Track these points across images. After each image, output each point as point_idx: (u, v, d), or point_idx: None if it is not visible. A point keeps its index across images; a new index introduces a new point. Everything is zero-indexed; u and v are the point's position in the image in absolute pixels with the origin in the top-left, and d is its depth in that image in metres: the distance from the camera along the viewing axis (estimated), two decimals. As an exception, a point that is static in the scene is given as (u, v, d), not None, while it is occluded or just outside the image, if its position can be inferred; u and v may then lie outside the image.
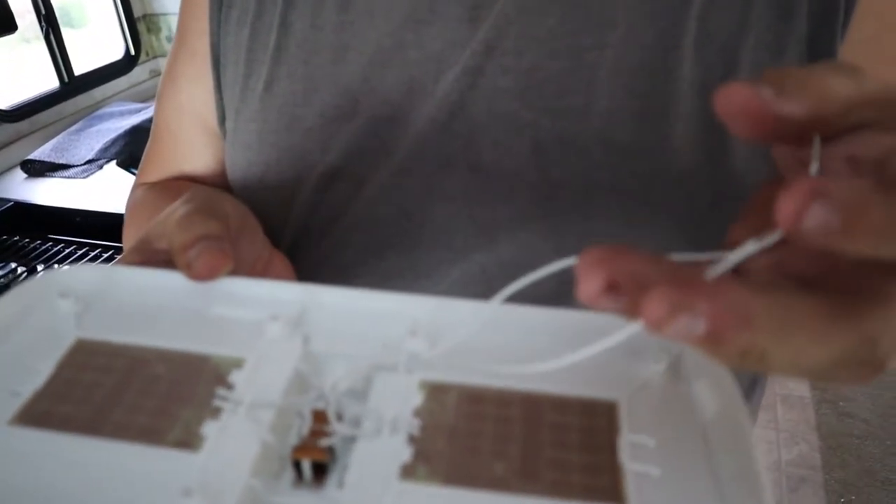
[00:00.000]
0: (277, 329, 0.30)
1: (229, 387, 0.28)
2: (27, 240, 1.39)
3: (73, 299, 0.31)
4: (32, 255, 1.36)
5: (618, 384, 0.28)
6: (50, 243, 1.39)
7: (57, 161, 1.59)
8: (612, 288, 0.19)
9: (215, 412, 0.26)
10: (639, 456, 0.25)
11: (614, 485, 0.24)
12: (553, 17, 0.40)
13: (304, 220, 0.46)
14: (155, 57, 2.05)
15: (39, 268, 1.33)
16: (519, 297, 0.24)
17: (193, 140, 0.55)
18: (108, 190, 1.49)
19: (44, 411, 0.27)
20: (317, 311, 0.31)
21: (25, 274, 1.29)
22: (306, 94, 0.45)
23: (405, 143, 0.43)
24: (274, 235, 0.43)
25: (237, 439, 0.25)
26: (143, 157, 0.60)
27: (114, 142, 1.63)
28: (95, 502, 0.23)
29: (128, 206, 0.59)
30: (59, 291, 0.31)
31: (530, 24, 0.40)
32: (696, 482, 0.24)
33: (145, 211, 0.54)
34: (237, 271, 0.32)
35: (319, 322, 0.31)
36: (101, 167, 1.59)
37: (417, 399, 0.27)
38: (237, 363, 0.29)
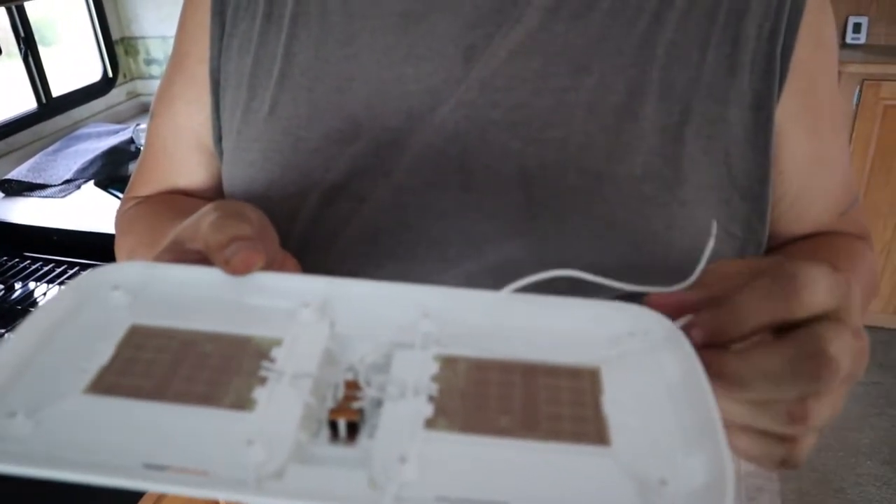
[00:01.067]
0: (308, 314, 0.35)
1: (272, 360, 0.32)
2: (4, 258, 1.42)
3: (122, 291, 0.36)
4: (10, 272, 1.39)
5: (601, 355, 0.33)
6: (28, 261, 1.42)
7: (34, 181, 1.63)
8: None
9: (262, 381, 0.31)
10: (619, 410, 0.30)
11: (599, 431, 0.29)
12: (537, 61, 0.47)
13: (306, 233, 0.50)
14: (132, 79, 2.09)
15: (17, 285, 1.36)
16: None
17: (189, 158, 0.59)
18: (85, 209, 1.53)
19: (112, 383, 0.31)
20: (340, 300, 0.36)
21: (3, 291, 1.32)
22: (310, 118, 0.50)
23: (403, 165, 0.48)
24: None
25: (284, 402, 0.30)
26: (134, 173, 0.64)
27: (91, 162, 1.67)
28: (170, 454, 0.28)
29: (121, 218, 0.63)
30: (112, 284, 0.36)
31: (518, 65, 0.47)
32: (666, 430, 0.30)
33: (145, 220, 0.58)
34: (263, 269, 0.37)
35: (343, 309, 0.36)
36: (78, 187, 1.62)
37: (433, 368, 0.32)
38: (276, 342, 0.33)
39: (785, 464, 0.33)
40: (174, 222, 0.53)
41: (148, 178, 0.62)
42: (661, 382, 0.32)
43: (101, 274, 0.37)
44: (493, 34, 0.47)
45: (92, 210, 1.52)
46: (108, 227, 1.44)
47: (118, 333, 0.34)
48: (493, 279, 0.47)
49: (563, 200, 0.46)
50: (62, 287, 0.36)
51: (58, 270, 1.38)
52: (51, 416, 0.29)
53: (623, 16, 0.46)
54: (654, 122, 0.46)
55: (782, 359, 0.30)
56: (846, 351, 0.30)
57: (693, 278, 0.34)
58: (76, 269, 1.39)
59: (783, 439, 0.32)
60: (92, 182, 1.64)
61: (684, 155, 0.46)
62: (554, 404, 0.30)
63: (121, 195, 1.56)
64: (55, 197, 1.59)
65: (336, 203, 0.49)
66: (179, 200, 0.60)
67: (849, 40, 2.41)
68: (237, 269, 0.35)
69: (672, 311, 0.34)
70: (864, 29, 2.40)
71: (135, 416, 0.29)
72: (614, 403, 0.31)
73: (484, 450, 0.28)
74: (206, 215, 0.37)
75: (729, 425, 0.32)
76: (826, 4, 0.50)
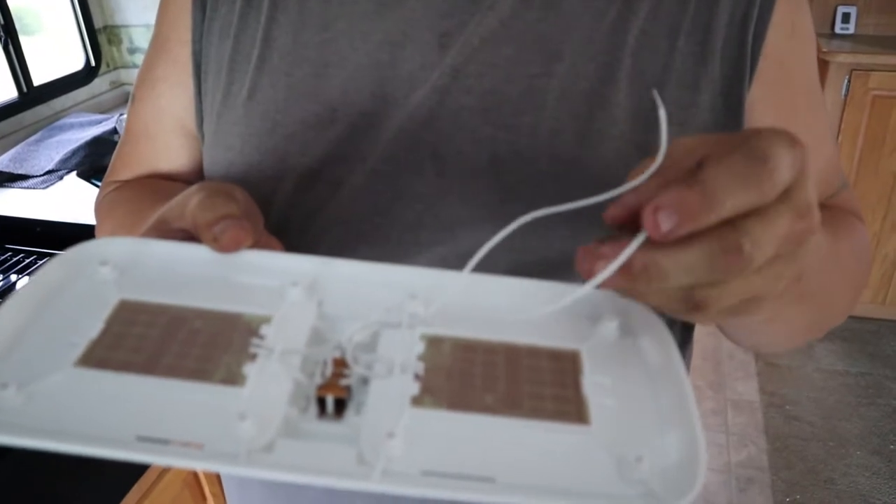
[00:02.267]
0: (297, 293, 0.35)
1: (261, 337, 0.33)
2: (-13, 250, 1.42)
3: (111, 266, 0.36)
4: (-6, 265, 1.38)
5: (580, 338, 0.34)
6: (9, 253, 1.41)
7: (16, 171, 1.61)
8: (582, 259, 0.31)
9: (252, 357, 0.32)
10: (598, 391, 0.32)
11: (579, 411, 0.31)
12: (510, 48, 0.48)
13: (283, 216, 0.51)
14: (115, 68, 2.08)
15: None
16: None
17: (171, 141, 0.60)
18: (68, 200, 1.52)
19: (102, 357, 0.31)
20: (328, 280, 0.37)
21: (-15, 283, 1.32)
22: (288, 102, 0.50)
23: (378, 150, 0.49)
24: None
25: (274, 378, 0.31)
26: (114, 157, 0.64)
27: (74, 152, 1.66)
28: (162, 427, 0.28)
29: (100, 203, 0.63)
30: (100, 259, 0.36)
31: (491, 52, 0.48)
32: (643, 410, 0.31)
33: (126, 203, 0.59)
34: (250, 248, 0.38)
35: (331, 288, 0.36)
36: (61, 178, 1.61)
37: (420, 348, 0.33)
38: (265, 319, 0.34)
39: (696, 305, 0.30)
40: (156, 206, 0.54)
41: (129, 162, 0.63)
42: (637, 365, 0.33)
43: (89, 249, 0.38)
44: (467, 21, 0.48)
45: (75, 201, 1.51)
46: (91, 218, 1.43)
47: (107, 308, 0.34)
48: (465, 262, 0.48)
49: (535, 186, 0.47)
50: (50, 261, 0.36)
51: (41, 262, 1.37)
52: (42, 389, 0.30)
53: (594, 4, 0.47)
54: (625, 108, 0.47)
55: (702, 252, 0.28)
56: (770, 244, 0.29)
57: (658, 162, 0.31)
58: (59, 260, 1.38)
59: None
60: (74, 173, 1.62)
61: (656, 141, 0.47)
62: (536, 384, 0.32)
63: (104, 186, 1.56)
64: (37, 188, 1.58)
65: (312, 188, 0.50)
66: (160, 184, 0.60)
67: (837, 30, 2.43)
68: (226, 246, 0.36)
69: (634, 217, 0.31)
70: (852, 19, 2.42)
71: (126, 389, 0.30)
72: (594, 385, 0.32)
73: (469, 426, 0.30)
74: (192, 194, 0.38)
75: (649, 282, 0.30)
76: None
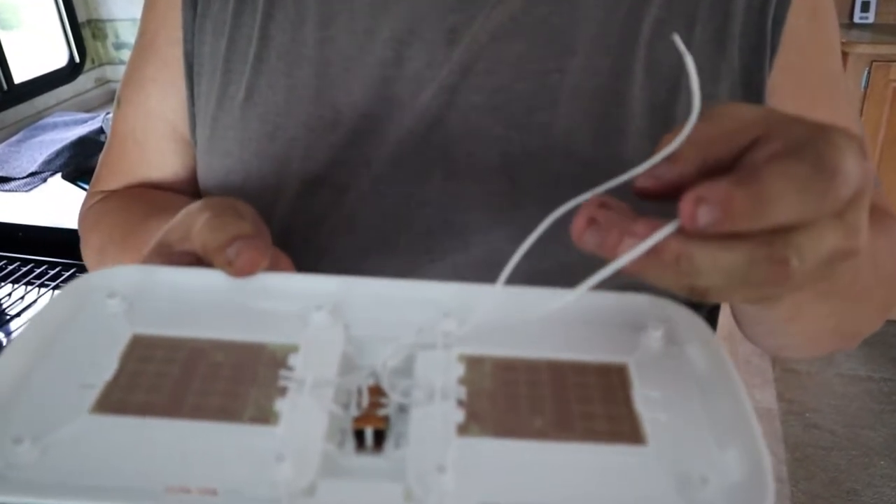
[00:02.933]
0: (321, 318, 0.34)
1: (290, 368, 0.32)
2: (-35, 257, 1.38)
3: (119, 298, 0.35)
4: (-28, 273, 1.34)
5: (625, 350, 0.34)
6: (-10, 260, 1.37)
7: (-4, 173, 1.58)
8: (591, 222, 0.28)
9: (282, 391, 0.31)
10: (650, 406, 0.31)
11: (634, 429, 0.30)
12: (520, 43, 0.46)
13: (285, 225, 0.49)
14: (101, 65, 2.05)
15: (-21, 286, 1.31)
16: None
17: (162, 147, 0.57)
18: (52, 204, 1.49)
19: (120, 400, 0.30)
20: (352, 301, 0.36)
21: (-36, 292, 1.28)
22: (288, 104, 0.49)
23: (385, 154, 0.47)
24: None
25: (308, 413, 0.30)
26: (99, 164, 0.61)
27: (58, 153, 1.62)
28: (193, 475, 0.27)
29: (86, 214, 0.60)
30: (107, 291, 0.35)
31: (501, 49, 0.46)
32: (698, 425, 0.30)
33: (114, 216, 0.56)
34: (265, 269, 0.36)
35: (356, 310, 0.35)
36: (44, 180, 1.57)
37: (459, 370, 0.32)
38: (292, 349, 0.33)
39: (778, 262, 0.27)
40: (148, 218, 0.51)
41: (115, 170, 0.60)
42: (688, 375, 0.33)
43: (94, 280, 0.36)
44: (476, 16, 0.47)
45: (59, 204, 1.48)
46: (76, 222, 1.40)
47: (120, 344, 0.33)
48: (481, 271, 0.46)
49: (549, 187, 0.46)
50: (54, 296, 0.36)
51: (24, 269, 1.34)
52: (58, 441, 0.28)
53: (601, 5, 0.46)
54: (641, 102, 0.46)
55: (744, 258, 0.26)
56: (815, 261, 0.27)
57: (691, 123, 0.29)
58: (43, 266, 1.34)
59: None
60: (59, 175, 1.59)
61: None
62: (586, 403, 0.31)
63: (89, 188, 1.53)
64: (20, 190, 1.54)
65: (316, 194, 0.49)
66: (151, 194, 0.57)
67: (857, 20, 2.40)
68: (241, 270, 0.34)
69: (670, 191, 0.29)
70: (872, 7, 2.39)
71: (149, 435, 0.29)
72: (644, 399, 0.31)
73: (520, 454, 0.29)
74: (196, 214, 0.36)
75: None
76: None
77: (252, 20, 0.50)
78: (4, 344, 1.19)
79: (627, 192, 0.31)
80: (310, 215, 0.49)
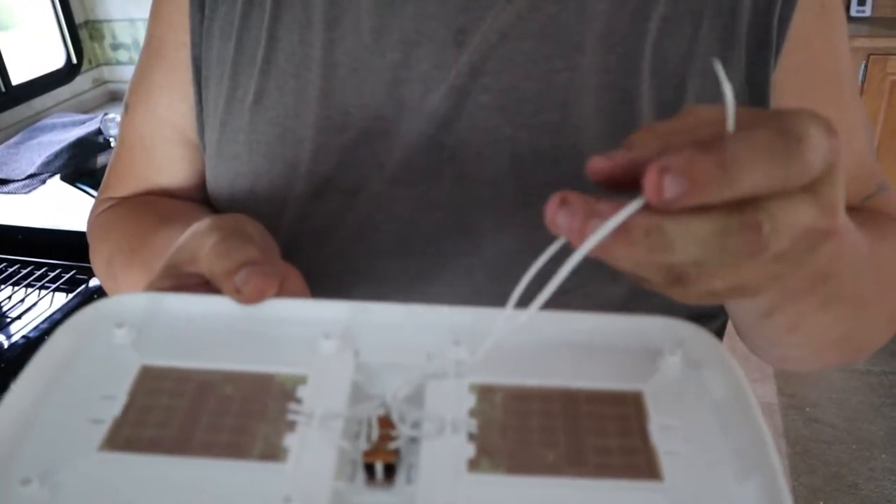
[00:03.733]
0: (330, 345, 0.34)
1: (299, 401, 0.31)
2: (-34, 259, 1.39)
3: (127, 327, 0.35)
4: (-27, 275, 1.35)
5: (641, 376, 0.33)
6: (-10, 262, 1.38)
7: (-5, 176, 1.59)
8: (563, 202, 0.28)
9: (291, 426, 0.30)
10: (667, 436, 0.30)
11: (650, 464, 0.29)
12: (529, 42, 0.46)
13: (296, 229, 0.49)
14: (98, 65, 2.05)
15: (-21, 288, 1.32)
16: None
17: (171, 153, 0.57)
18: (51, 206, 1.49)
19: (129, 436, 0.30)
20: (362, 327, 0.35)
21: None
22: (297, 107, 0.49)
23: (395, 156, 0.47)
24: None
25: (317, 448, 0.29)
26: (107, 171, 0.61)
27: (57, 155, 1.63)
28: None
29: (94, 223, 0.60)
30: (115, 321, 0.35)
31: (509, 48, 0.46)
32: (716, 455, 0.29)
33: (123, 225, 0.56)
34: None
35: (366, 336, 0.35)
36: (43, 182, 1.58)
37: (471, 401, 0.32)
38: (301, 379, 0.33)
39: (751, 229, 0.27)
40: (157, 229, 0.52)
41: (124, 177, 0.60)
42: (706, 402, 0.32)
43: (102, 309, 0.36)
44: (484, 17, 0.47)
45: (58, 206, 1.48)
46: (76, 224, 1.41)
47: (128, 376, 0.33)
48: (493, 272, 0.47)
49: (559, 188, 0.45)
50: (60, 326, 0.35)
51: (24, 272, 1.34)
52: (67, 479, 0.28)
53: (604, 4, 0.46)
54: (648, 100, 0.46)
55: (715, 225, 0.25)
56: (789, 232, 0.26)
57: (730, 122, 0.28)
58: (43, 269, 1.35)
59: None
60: (58, 176, 1.60)
61: None
62: (600, 435, 0.30)
63: (89, 189, 1.53)
64: (18, 193, 1.55)
65: (326, 197, 0.49)
66: (160, 202, 0.58)
67: (853, 13, 2.41)
68: (249, 298, 0.34)
69: (626, 177, 0.28)
70: (869, 1, 2.40)
71: (158, 473, 0.29)
72: (661, 429, 0.31)
73: (532, 491, 0.28)
74: (204, 236, 0.36)
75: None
76: None
77: (259, 23, 0.50)
78: (6, 346, 1.20)
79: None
80: (321, 219, 0.49)
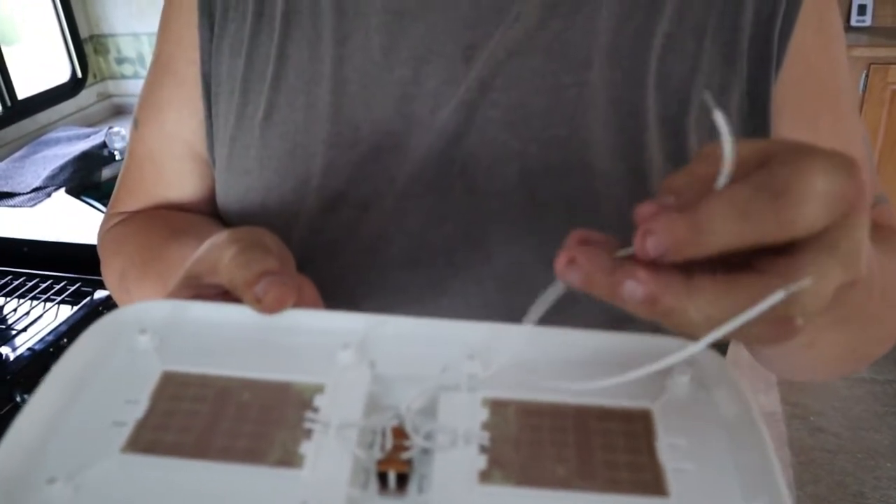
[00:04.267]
0: (348, 356, 0.35)
1: (315, 410, 0.32)
2: (-28, 272, 1.40)
3: (150, 334, 0.35)
4: (-23, 287, 1.36)
5: (651, 395, 0.33)
6: (-3, 275, 1.39)
7: (1, 189, 1.60)
8: (570, 262, 0.29)
9: (307, 433, 0.31)
10: (674, 454, 0.31)
11: (657, 480, 0.30)
12: (536, 58, 0.47)
13: (308, 242, 0.50)
14: (103, 79, 2.07)
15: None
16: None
17: (180, 168, 0.58)
18: (57, 219, 1.51)
19: (151, 439, 0.31)
20: (379, 339, 0.36)
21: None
22: (308, 122, 0.50)
23: (406, 170, 0.48)
24: None
25: (332, 456, 0.30)
26: (117, 186, 0.62)
27: (62, 168, 1.64)
28: None
29: (105, 237, 0.61)
30: (138, 327, 0.36)
31: (517, 64, 0.47)
32: (723, 474, 0.30)
33: (135, 238, 0.57)
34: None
35: (382, 348, 0.36)
36: (48, 195, 1.60)
37: (483, 414, 0.32)
38: (318, 389, 0.33)
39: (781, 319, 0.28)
40: (169, 242, 0.53)
41: (134, 191, 0.61)
42: (714, 422, 0.32)
43: (126, 315, 0.37)
44: (492, 33, 0.47)
45: (64, 219, 1.50)
46: (81, 237, 1.42)
47: (151, 382, 0.34)
48: (504, 284, 0.47)
49: (568, 201, 0.46)
50: (85, 332, 0.36)
51: (29, 284, 1.36)
52: (91, 480, 0.29)
53: (620, 10, 0.47)
54: (654, 113, 0.47)
55: (731, 300, 0.27)
56: (819, 306, 0.27)
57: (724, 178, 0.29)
58: (49, 281, 1.36)
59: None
60: (63, 189, 1.61)
61: (686, 148, 0.47)
62: (609, 451, 0.31)
63: (94, 202, 1.55)
64: (24, 206, 1.56)
65: (338, 211, 0.49)
66: (171, 216, 0.58)
67: (854, 23, 2.42)
68: (270, 307, 0.35)
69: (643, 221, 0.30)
70: (869, 10, 2.41)
71: (178, 476, 0.29)
72: (669, 447, 0.31)
73: (542, 503, 0.29)
74: (223, 248, 0.37)
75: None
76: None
77: (269, 40, 0.51)
78: (11, 359, 1.21)
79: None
80: (333, 232, 0.49)
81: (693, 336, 0.29)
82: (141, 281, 0.54)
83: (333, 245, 0.49)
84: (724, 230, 0.26)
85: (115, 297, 0.60)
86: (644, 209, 0.30)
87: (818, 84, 0.50)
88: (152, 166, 0.59)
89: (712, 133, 0.45)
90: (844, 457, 1.98)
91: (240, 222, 0.52)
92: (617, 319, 0.36)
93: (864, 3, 2.41)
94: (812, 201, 0.26)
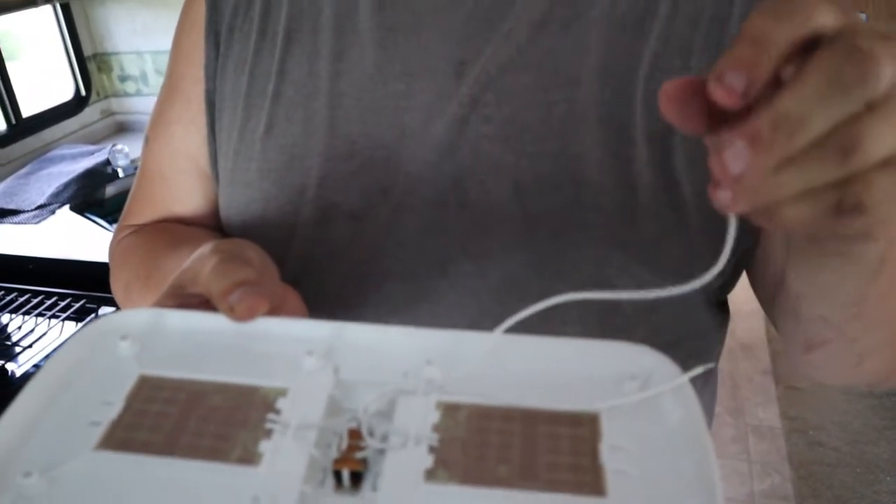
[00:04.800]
0: (312, 362, 0.36)
1: (277, 412, 0.34)
2: (-22, 289, 1.41)
3: (131, 340, 0.38)
4: (-17, 304, 1.37)
5: (600, 399, 0.35)
6: (2, 292, 1.40)
7: (6, 206, 1.62)
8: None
9: (268, 433, 0.33)
10: (617, 457, 0.32)
11: (596, 481, 0.31)
12: (527, 74, 0.49)
13: (305, 253, 0.52)
14: (106, 97, 2.09)
15: (-10, 318, 1.35)
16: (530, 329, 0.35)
17: (186, 182, 0.61)
18: (61, 235, 1.52)
19: (123, 438, 0.33)
20: (344, 345, 0.38)
21: (-25, 324, 1.31)
22: (305, 135, 0.52)
23: (400, 183, 0.50)
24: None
25: (289, 455, 0.32)
26: (129, 199, 0.65)
27: (66, 186, 1.66)
28: None
29: (115, 249, 0.64)
30: (120, 334, 0.38)
31: (508, 80, 0.49)
32: (663, 479, 0.31)
33: (141, 251, 0.60)
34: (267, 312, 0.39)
35: (347, 354, 0.38)
36: (53, 212, 1.61)
37: (435, 417, 0.34)
38: (282, 392, 0.35)
39: (843, 207, 0.29)
40: (170, 254, 0.55)
41: (143, 206, 0.64)
42: (660, 428, 0.33)
43: (109, 323, 0.39)
44: (483, 49, 0.49)
45: (68, 236, 1.51)
46: (85, 254, 1.44)
47: (127, 385, 0.36)
48: (498, 295, 0.49)
49: (560, 214, 0.48)
50: (70, 338, 0.39)
51: (34, 301, 1.37)
52: (65, 475, 0.31)
53: (608, 29, 0.49)
54: (642, 129, 0.48)
55: (822, 73, 0.27)
56: (886, 49, 0.27)
57: (717, 269, 0.32)
58: (53, 298, 1.38)
59: (840, 185, 0.29)
60: (67, 206, 1.63)
61: (673, 164, 0.48)
62: (553, 453, 0.32)
63: (98, 219, 1.56)
64: (29, 223, 1.58)
65: (334, 222, 0.51)
66: (175, 229, 0.61)
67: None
68: (242, 315, 0.37)
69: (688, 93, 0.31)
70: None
71: (146, 472, 0.32)
72: (613, 450, 0.32)
73: (483, 501, 0.30)
74: (206, 259, 0.39)
75: (778, 203, 0.29)
76: None
77: (271, 57, 0.53)
78: (17, 375, 1.22)
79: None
80: (329, 244, 0.51)
81: (819, 218, 0.29)
82: (144, 292, 0.57)
83: (329, 256, 0.51)
84: (824, 104, 0.27)
85: (122, 308, 0.62)
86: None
87: None
88: (161, 181, 0.62)
89: (697, 145, 0.47)
90: (844, 471, 1.98)
91: (241, 234, 0.54)
92: (605, 334, 0.38)
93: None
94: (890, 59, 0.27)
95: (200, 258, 0.39)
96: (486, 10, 0.50)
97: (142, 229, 0.63)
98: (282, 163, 0.52)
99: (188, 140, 0.59)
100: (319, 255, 0.51)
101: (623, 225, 0.48)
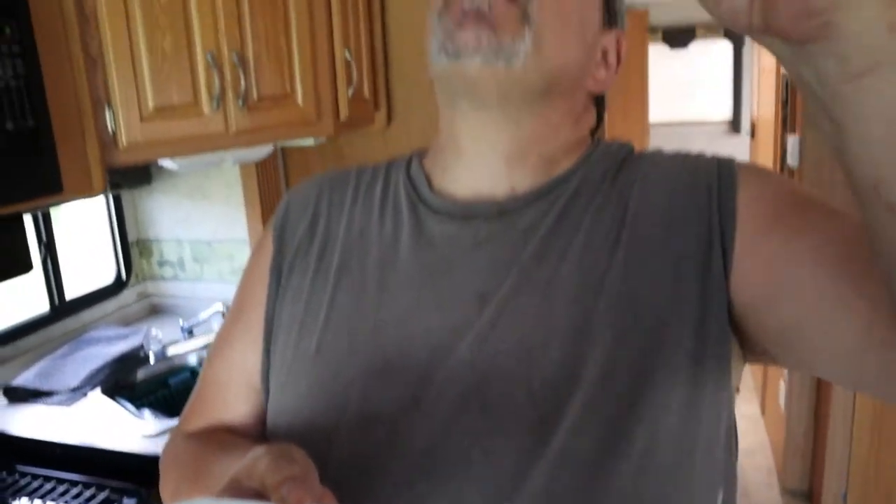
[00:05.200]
0: None
1: None
2: (3, 472, 1.45)
3: None
4: (8, 488, 1.40)
5: None
6: (28, 477, 1.44)
7: (41, 388, 1.68)
8: None
9: None
10: None
11: None
12: (535, 298, 0.60)
13: (345, 453, 0.60)
14: (143, 280, 2.22)
15: (14, 502, 1.37)
16: None
17: (238, 392, 0.72)
18: (91, 419, 1.57)
19: None
20: None
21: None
22: (350, 355, 0.63)
23: (430, 394, 0.59)
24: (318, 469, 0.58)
25: None
26: (188, 406, 0.76)
27: (100, 370, 1.74)
28: None
29: (168, 451, 0.74)
30: None
31: (521, 303, 0.60)
32: None
33: (189, 457, 0.69)
34: None
35: None
36: (85, 395, 1.68)
37: None
38: None
39: None
40: (220, 458, 0.65)
41: (200, 412, 0.74)
42: None
43: None
44: (502, 283, 0.61)
45: (97, 420, 1.56)
46: (113, 442, 1.47)
47: None
48: (514, 490, 0.56)
49: (568, 411, 0.56)
50: None
51: (60, 488, 1.40)
52: None
53: (586, 260, 0.60)
54: (611, 329, 0.58)
55: None
56: None
57: None
58: (78, 486, 1.40)
59: None
60: (99, 389, 1.69)
61: (655, 366, 0.57)
62: None
63: (126, 404, 1.62)
64: (62, 405, 1.63)
65: (372, 430, 0.60)
66: (223, 437, 0.71)
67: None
68: None
69: None
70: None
71: None
72: None
73: None
74: (260, 458, 0.46)
75: None
76: (756, 172, 0.60)
77: (324, 290, 0.66)
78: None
79: None
80: (367, 447, 0.59)
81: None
82: (192, 492, 0.65)
83: (366, 459, 0.60)
84: None
85: None
86: None
87: (785, 256, 0.55)
88: (216, 390, 0.73)
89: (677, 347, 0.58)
90: None
91: (286, 439, 0.63)
92: None
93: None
94: None
95: (255, 457, 0.47)
96: (504, 251, 0.62)
97: (192, 436, 0.73)
98: (328, 377, 0.63)
99: (245, 357, 0.71)
100: (358, 458, 0.60)
101: (622, 412, 0.56)
